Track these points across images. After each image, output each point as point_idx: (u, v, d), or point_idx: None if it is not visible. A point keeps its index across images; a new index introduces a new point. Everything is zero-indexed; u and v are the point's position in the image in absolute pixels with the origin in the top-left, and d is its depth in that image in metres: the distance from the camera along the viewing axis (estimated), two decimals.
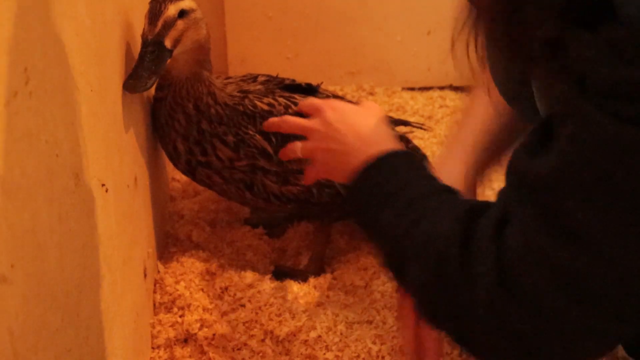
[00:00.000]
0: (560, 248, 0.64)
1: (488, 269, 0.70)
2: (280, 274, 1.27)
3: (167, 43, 1.06)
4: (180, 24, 1.07)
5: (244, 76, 1.29)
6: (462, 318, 0.73)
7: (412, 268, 0.77)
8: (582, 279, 0.64)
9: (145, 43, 1.05)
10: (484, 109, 1.02)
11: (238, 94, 1.22)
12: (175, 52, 1.08)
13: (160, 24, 1.05)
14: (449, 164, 1.00)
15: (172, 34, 1.06)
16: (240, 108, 1.20)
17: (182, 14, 1.07)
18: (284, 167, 1.22)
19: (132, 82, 1.01)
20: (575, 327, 0.68)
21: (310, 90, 1.30)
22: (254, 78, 1.28)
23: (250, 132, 1.20)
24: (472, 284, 0.71)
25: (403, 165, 0.86)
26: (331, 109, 0.95)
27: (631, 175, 0.60)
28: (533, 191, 0.66)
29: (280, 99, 1.23)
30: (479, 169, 1.03)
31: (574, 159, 0.63)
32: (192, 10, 1.09)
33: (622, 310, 0.66)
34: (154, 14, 1.05)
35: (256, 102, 1.21)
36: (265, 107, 1.21)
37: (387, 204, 0.82)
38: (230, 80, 1.27)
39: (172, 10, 1.05)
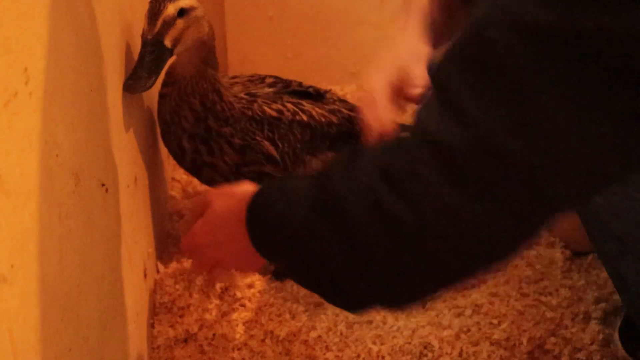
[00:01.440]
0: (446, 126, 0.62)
1: (370, 170, 0.67)
2: (280, 274, 1.27)
3: (167, 42, 1.05)
4: (180, 22, 1.06)
5: (251, 76, 1.28)
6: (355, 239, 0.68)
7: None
8: (460, 157, 0.61)
9: (144, 43, 1.04)
10: None
11: (245, 97, 1.21)
12: (176, 51, 1.07)
13: (159, 23, 1.04)
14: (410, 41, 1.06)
15: (172, 33, 1.06)
16: (249, 113, 1.19)
17: (182, 12, 1.06)
18: (289, 173, 1.21)
19: (131, 83, 1.01)
20: (458, 219, 0.63)
21: (318, 95, 1.29)
22: (261, 79, 1.27)
23: (258, 138, 1.20)
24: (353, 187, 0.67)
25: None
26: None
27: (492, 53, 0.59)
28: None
29: (289, 105, 1.23)
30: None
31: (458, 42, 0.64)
32: (193, 9, 1.08)
33: (506, 206, 0.62)
34: (153, 14, 1.04)
35: (265, 107, 1.20)
36: (274, 114, 1.21)
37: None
38: (236, 80, 1.26)
39: (171, 9, 1.05)
